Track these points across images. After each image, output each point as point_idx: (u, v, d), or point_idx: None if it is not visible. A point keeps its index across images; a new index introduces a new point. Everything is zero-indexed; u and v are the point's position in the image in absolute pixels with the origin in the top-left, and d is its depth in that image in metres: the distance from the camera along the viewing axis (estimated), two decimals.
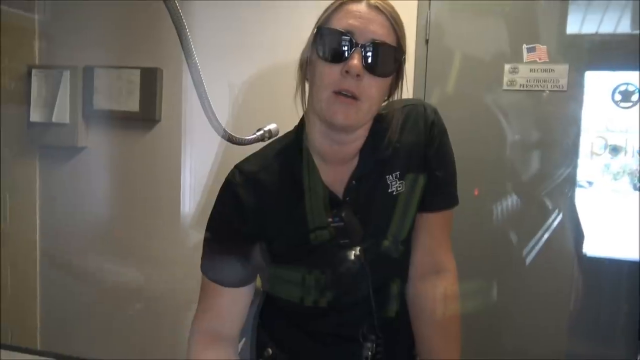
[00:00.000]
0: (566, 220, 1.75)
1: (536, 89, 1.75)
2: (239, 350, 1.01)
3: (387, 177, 0.90)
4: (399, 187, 0.90)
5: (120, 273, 2.10)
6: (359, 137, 0.90)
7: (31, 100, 2.09)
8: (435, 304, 0.94)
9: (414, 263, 0.96)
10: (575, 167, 1.75)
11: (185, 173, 2.04)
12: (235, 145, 1.01)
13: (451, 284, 0.95)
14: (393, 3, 0.85)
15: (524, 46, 1.75)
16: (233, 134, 0.99)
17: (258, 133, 1.04)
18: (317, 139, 0.89)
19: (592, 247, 1.77)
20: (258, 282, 0.98)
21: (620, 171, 1.80)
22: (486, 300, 1.75)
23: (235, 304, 0.94)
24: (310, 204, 0.88)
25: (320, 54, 0.82)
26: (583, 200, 1.76)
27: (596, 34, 1.73)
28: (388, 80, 0.85)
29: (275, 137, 1.02)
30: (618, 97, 1.72)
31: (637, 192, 1.76)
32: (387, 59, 0.82)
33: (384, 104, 0.90)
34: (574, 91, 1.72)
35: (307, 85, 0.90)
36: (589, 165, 1.78)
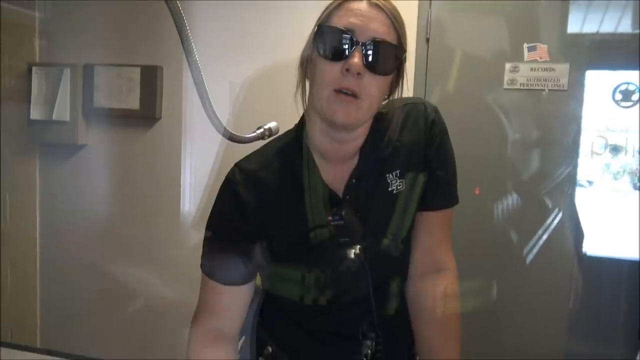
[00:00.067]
0: (566, 220, 1.75)
1: (537, 88, 1.74)
2: (239, 348, 1.01)
3: (387, 175, 0.90)
4: (399, 185, 0.90)
5: (120, 271, 2.10)
6: (359, 135, 0.89)
7: (31, 98, 2.09)
8: (435, 303, 0.94)
9: (414, 262, 0.96)
10: (575, 166, 1.75)
11: (185, 171, 2.04)
12: (235, 144, 1.01)
13: (451, 282, 0.95)
14: (394, 2, 0.85)
15: (525, 45, 1.74)
16: (233, 132, 0.99)
17: (258, 131, 1.04)
18: (318, 137, 0.89)
19: (592, 247, 1.77)
20: (258, 280, 0.98)
21: (620, 171, 1.80)
22: (486, 300, 1.75)
23: (235, 303, 0.94)
24: (310, 202, 0.88)
25: (321, 52, 0.82)
26: (583, 199, 1.76)
27: (597, 34, 1.73)
28: (388, 79, 0.85)
29: (276, 136, 1.02)
30: (618, 96, 1.72)
31: (637, 192, 1.76)
32: (387, 57, 0.82)
33: (384, 102, 0.90)
34: (575, 90, 1.72)
35: (307, 84, 0.90)
36: (589, 165, 1.78)
